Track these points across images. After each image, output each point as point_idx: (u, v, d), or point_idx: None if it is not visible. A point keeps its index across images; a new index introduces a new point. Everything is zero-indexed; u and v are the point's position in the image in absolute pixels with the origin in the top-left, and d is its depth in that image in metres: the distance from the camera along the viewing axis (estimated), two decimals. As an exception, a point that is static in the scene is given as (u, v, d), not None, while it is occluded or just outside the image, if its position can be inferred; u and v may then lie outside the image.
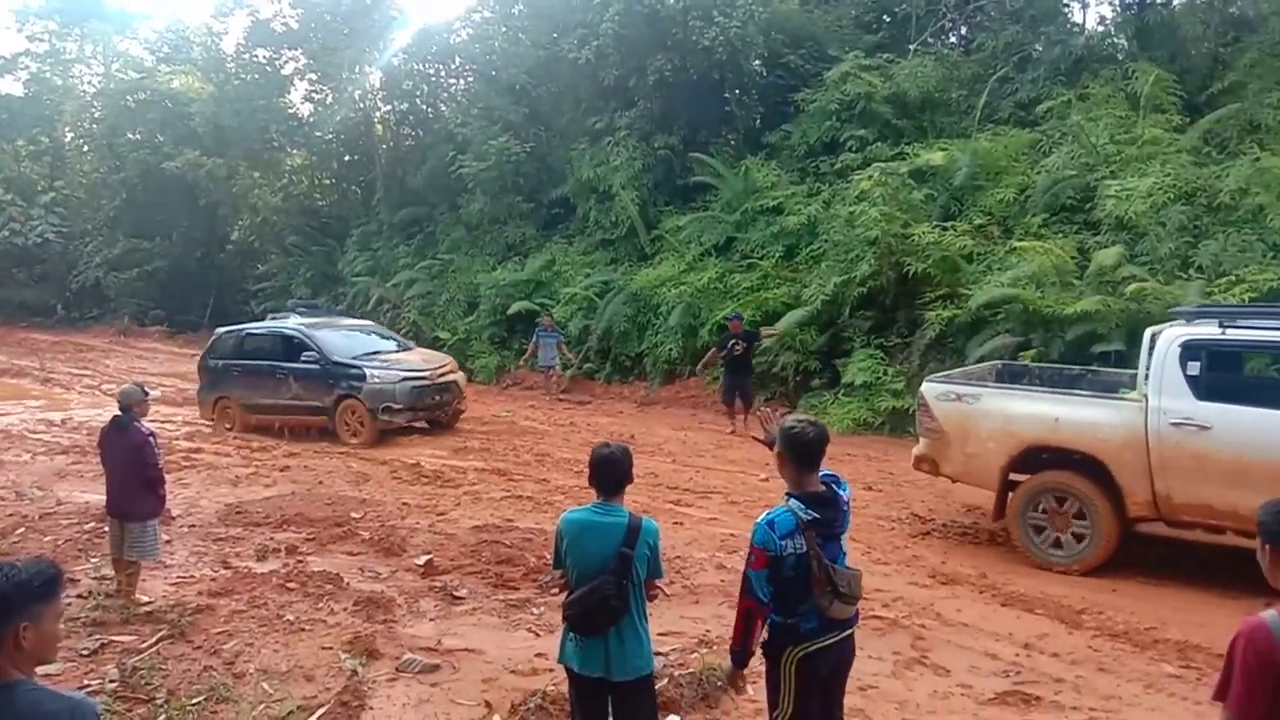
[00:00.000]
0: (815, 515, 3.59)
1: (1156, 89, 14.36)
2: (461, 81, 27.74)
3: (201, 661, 5.86)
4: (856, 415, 13.40)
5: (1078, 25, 18.08)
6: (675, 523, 8.96)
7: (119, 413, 7.03)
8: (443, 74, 27.73)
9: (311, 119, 29.73)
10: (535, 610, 6.69)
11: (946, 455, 8.22)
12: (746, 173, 17.96)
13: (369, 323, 17.22)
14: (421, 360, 14.35)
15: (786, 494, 3.71)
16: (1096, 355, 11.67)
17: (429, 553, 7.92)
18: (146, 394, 7.27)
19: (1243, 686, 2.59)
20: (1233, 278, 11.19)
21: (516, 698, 5.15)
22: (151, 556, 7.10)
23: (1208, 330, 7.07)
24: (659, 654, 5.71)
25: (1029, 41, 17.12)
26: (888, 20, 21.32)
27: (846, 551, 3.73)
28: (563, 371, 17.62)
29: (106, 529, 7.31)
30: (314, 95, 29.11)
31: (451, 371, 14.41)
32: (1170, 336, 7.23)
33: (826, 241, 15.68)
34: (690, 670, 5.50)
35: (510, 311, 19.60)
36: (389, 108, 28.20)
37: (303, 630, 6.35)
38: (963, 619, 6.57)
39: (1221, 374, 7.27)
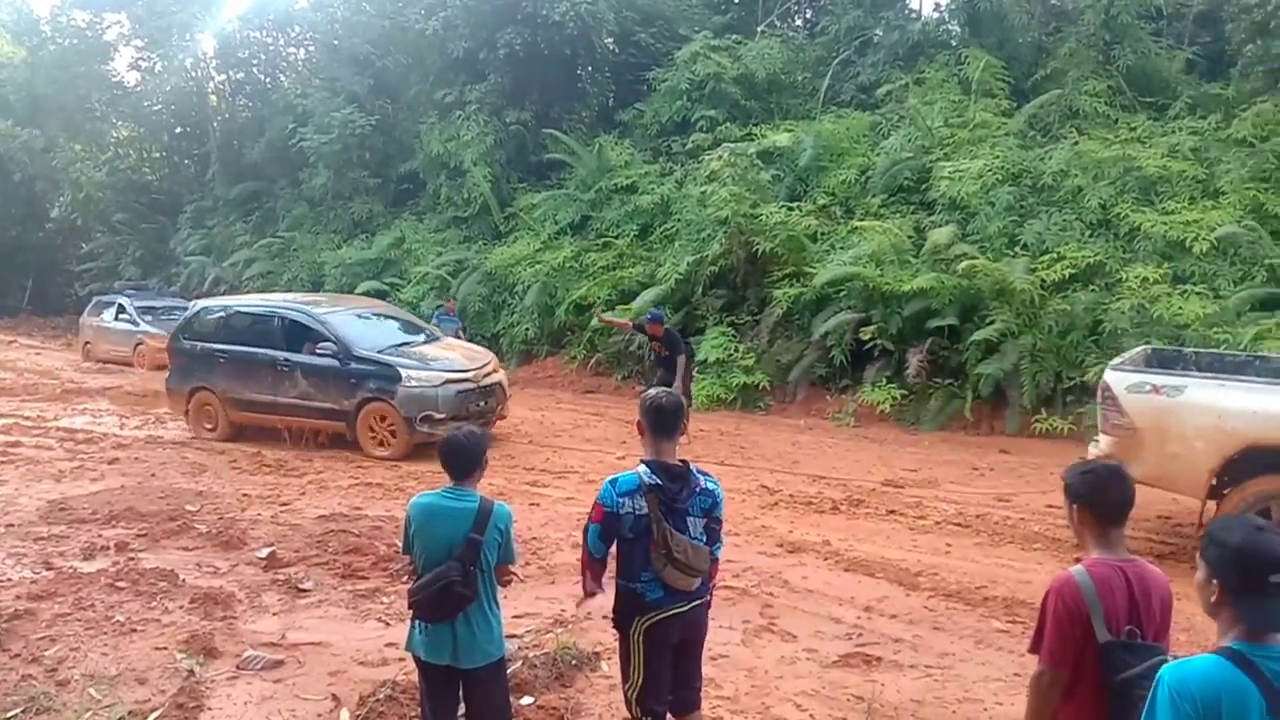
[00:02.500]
0: (659, 482, 3.69)
1: (986, 74, 15.16)
2: (302, 51, 26.68)
3: (19, 670, 5.43)
4: (710, 392, 13.66)
5: (915, 12, 18.90)
6: (531, 504, 8.91)
7: None
8: (281, 42, 26.55)
9: (139, 88, 27.92)
10: (385, 599, 6.52)
11: (1139, 456, 6.80)
12: (600, 150, 17.96)
13: (386, 304, 14.91)
14: (463, 357, 11.93)
15: (641, 460, 3.81)
16: (932, 329, 12.31)
17: (272, 545, 7.59)
18: None
19: (1054, 638, 2.76)
20: (1055, 254, 11.99)
21: (365, 689, 5.01)
22: None
23: None
24: (514, 636, 5.69)
25: (870, 26, 17.76)
26: (736, 2, 21.69)
27: (696, 534, 3.76)
28: None
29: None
30: (141, 63, 27.40)
31: (495, 370, 12.00)
32: None
33: (679, 221, 15.88)
34: (545, 651, 5.48)
35: (357, 291, 18.96)
36: (224, 77, 26.81)
37: (134, 631, 5.97)
38: (809, 585, 6.79)
39: None
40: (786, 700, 5.05)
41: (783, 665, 5.51)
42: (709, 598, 3.98)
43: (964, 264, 11.91)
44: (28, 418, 13.14)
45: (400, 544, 4.13)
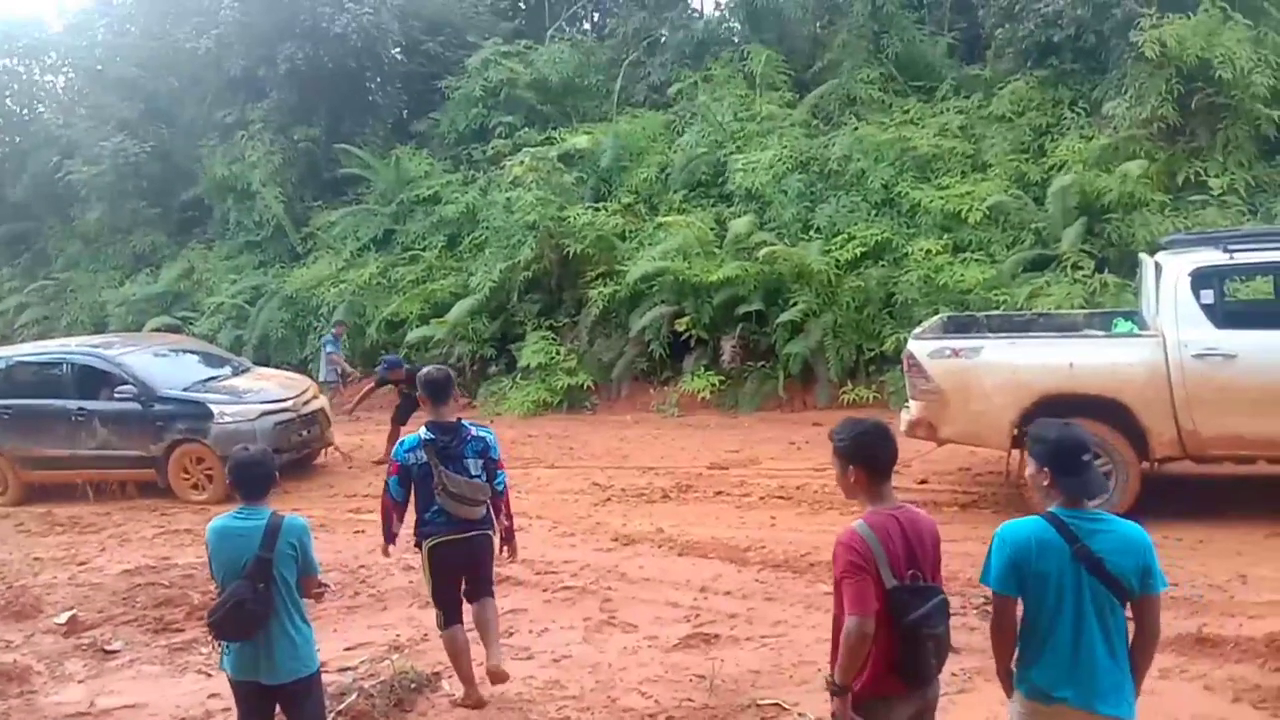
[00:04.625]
0: (433, 437, 4.84)
1: (769, 68, 15.78)
2: (61, 78, 24.49)
3: None
4: (535, 397, 13.59)
5: (697, 11, 19.40)
6: (356, 531, 8.61)
7: None
8: (36, 71, 24.33)
9: None
10: (203, 650, 6.11)
11: (946, 416, 7.47)
12: (398, 163, 17.49)
13: (188, 339, 13.96)
14: (279, 386, 11.38)
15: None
16: (741, 315, 12.74)
17: (71, 608, 6.99)
18: None
19: (855, 589, 2.92)
20: (846, 235, 12.66)
21: (189, 747, 4.70)
22: None
23: (1214, 256, 6.90)
24: (348, 668, 5.50)
25: (655, 27, 18.10)
26: (523, 7, 21.67)
27: (476, 472, 4.87)
28: (343, 386, 14.52)
29: None
30: None
31: (315, 397, 11.43)
32: (1177, 266, 6.99)
33: (487, 228, 15.70)
34: (382, 680, 5.31)
35: (147, 328, 17.65)
36: (-30, 110, 24.30)
37: (-89, 727, 5.37)
38: (645, 575, 6.90)
39: (1233, 300, 7.15)
40: (631, 690, 5.12)
41: (625, 656, 5.57)
42: (494, 530, 5.08)
43: (764, 251, 12.38)
44: None
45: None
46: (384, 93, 19.82)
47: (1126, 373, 6.95)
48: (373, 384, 12.34)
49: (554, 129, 16.80)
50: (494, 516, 5.05)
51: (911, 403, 7.78)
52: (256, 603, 3.71)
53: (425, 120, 18.84)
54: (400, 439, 5.06)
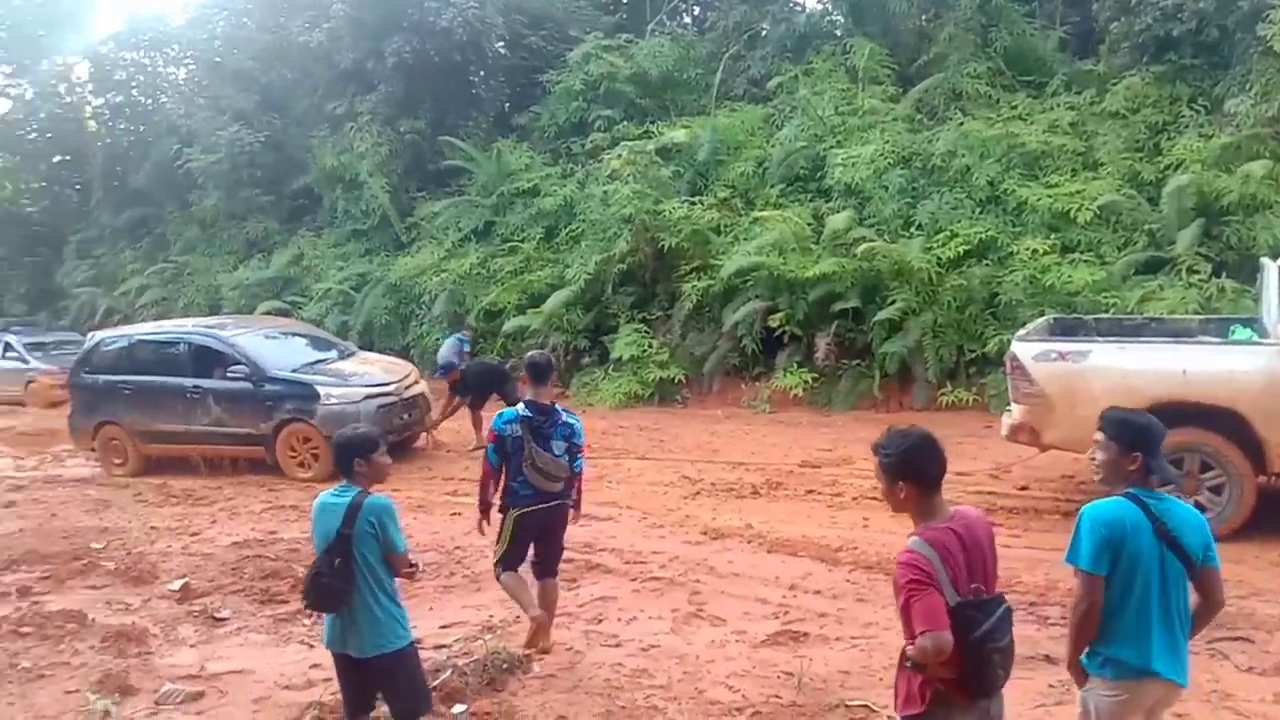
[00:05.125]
0: (530, 415, 5.30)
1: (872, 62, 15.53)
2: (182, 70, 25.75)
3: (-81, 729, 5.17)
4: (627, 389, 13.72)
5: (800, 4, 19.18)
6: (453, 513, 8.83)
7: None
8: (160, 62, 25.59)
9: (11, 116, 26.61)
10: (306, 622, 6.36)
11: (1050, 421, 7.26)
12: (499, 155, 17.82)
13: (296, 322, 14.50)
14: (383, 370, 11.74)
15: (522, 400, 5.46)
16: (837, 312, 12.59)
17: (184, 576, 7.35)
18: None
19: (922, 603, 2.80)
20: (948, 233, 12.37)
21: (292, 713, 4.90)
22: None
23: None
24: (442, 646, 5.65)
25: (757, 20, 17.99)
26: (625, 2, 21.78)
27: (559, 452, 5.33)
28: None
29: None
30: (9, 89, 26.08)
31: (417, 382, 11.74)
32: None
33: (584, 221, 15.88)
34: (475, 658, 5.43)
35: (258, 311, 18.42)
36: (101, 100, 25.69)
37: (43, 677, 5.72)
38: (734, 569, 6.89)
39: None
40: (719, 683, 5.12)
41: (713, 649, 5.58)
42: (570, 502, 5.56)
43: (863, 247, 12.20)
44: (-88, 467, 12.46)
45: None
46: (487, 86, 20.21)
47: (1244, 381, 6.70)
48: (454, 392, 12.21)
49: (652, 123, 16.85)
50: (570, 492, 5.55)
51: (1014, 406, 7.58)
52: (333, 576, 3.87)
53: (526, 114, 19.13)
54: (501, 412, 5.54)
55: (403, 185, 19.18)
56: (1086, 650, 3.20)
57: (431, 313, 16.60)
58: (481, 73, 20.18)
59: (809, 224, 13.34)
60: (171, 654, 6.00)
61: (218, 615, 6.59)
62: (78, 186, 26.24)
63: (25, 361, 18.97)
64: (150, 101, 25.36)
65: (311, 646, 5.96)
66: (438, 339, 16.02)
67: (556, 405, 5.47)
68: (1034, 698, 4.69)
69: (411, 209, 18.85)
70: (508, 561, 5.54)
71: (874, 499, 8.42)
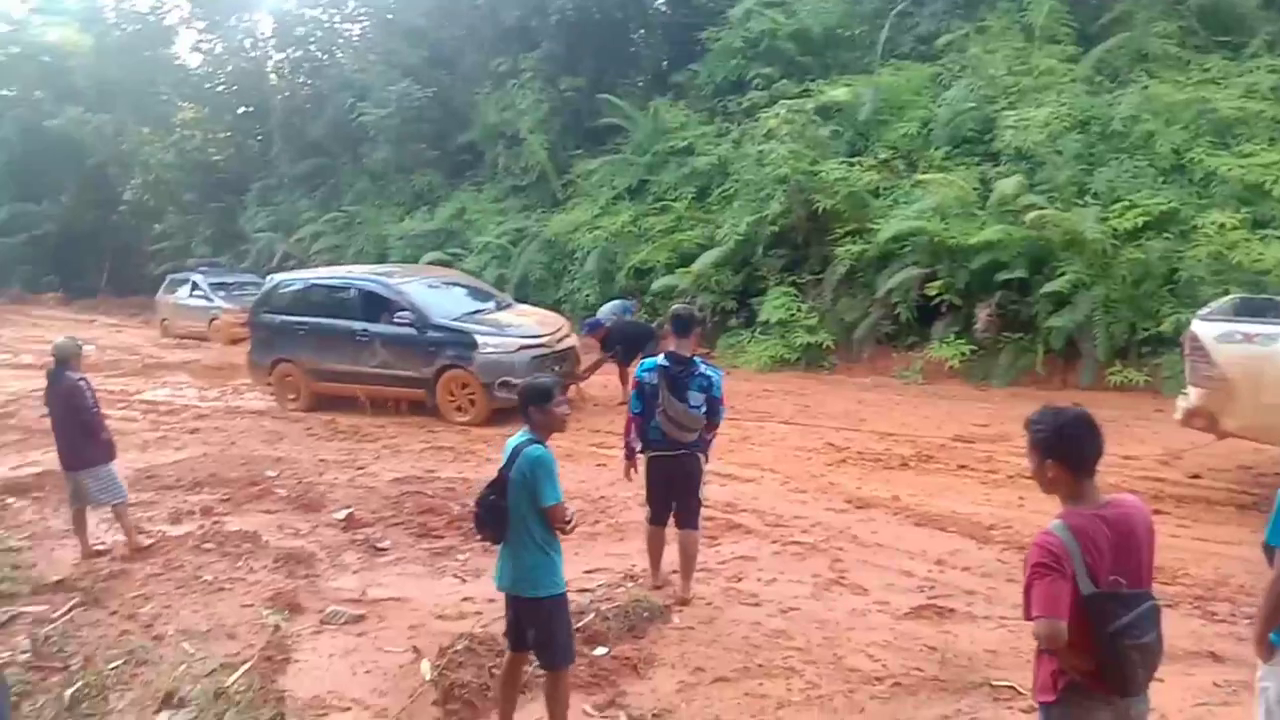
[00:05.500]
0: (668, 365, 5.53)
1: (1050, 20, 14.65)
2: (357, 26, 26.81)
3: (118, 626, 5.72)
4: (773, 352, 13.60)
5: (975, -41, 18.26)
6: (598, 465, 9.01)
7: (53, 367, 7.04)
8: (337, 19, 26.73)
9: (201, 70, 28.44)
10: (460, 557, 6.68)
11: (1231, 408, 6.84)
12: (656, 113, 17.83)
13: (457, 273, 15.09)
14: (536, 323, 12.01)
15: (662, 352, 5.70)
16: (1000, 282, 12.06)
17: (349, 507, 7.82)
18: (80, 346, 7.36)
19: (1041, 588, 2.70)
20: (1127, 202, 11.60)
21: (445, 641, 5.14)
22: (119, 499, 7.09)
23: None
24: (585, 590, 5.81)
25: (928, -25, 17.24)
26: (789, -44, 21.22)
27: (695, 404, 5.49)
28: None
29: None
30: (201, 45, 27.89)
31: (569, 335, 12.08)
32: None
33: (737, 181, 15.73)
34: (617, 604, 5.57)
35: (422, 262, 19.19)
36: (282, 55, 27.07)
37: (222, 590, 6.24)
38: (878, 540, 6.78)
39: None
40: (859, 651, 5.08)
41: (854, 617, 5.53)
42: (700, 453, 5.68)
43: (1032, 215, 11.60)
44: (112, 392, 13.58)
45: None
46: (646, 43, 20.22)
47: None
48: (603, 349, 12.29)
49: (812, 81, 16.44)
50: (705, 444, 5.72)
51: (1190, 390, 7.12)
52: (487, 510, 4.11)
53: (684, 71, 19.03)
54: (644, 361, 5.83)
55: (561, 143, 19.49)
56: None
57: (584, 269, 16.87)
58: (641, 30, 20.17)
59: (974, 189, 12.78)
60: (336, 578, 6.41)
61: (378, 545, 6.99)
62: (259, 137, 27.83)
63: (210, 300, 20.45)
64: (327, 57, 26.57)
65: (464, 580, 6.26)
66: (589, 295, 16.39)
67: (696, 357, 5.60)
68: (1196, 695, 4.46)
69: (568, 166, 19.15)
70: (651, 513, 5.83)
71: (1030, 478, 8.09)
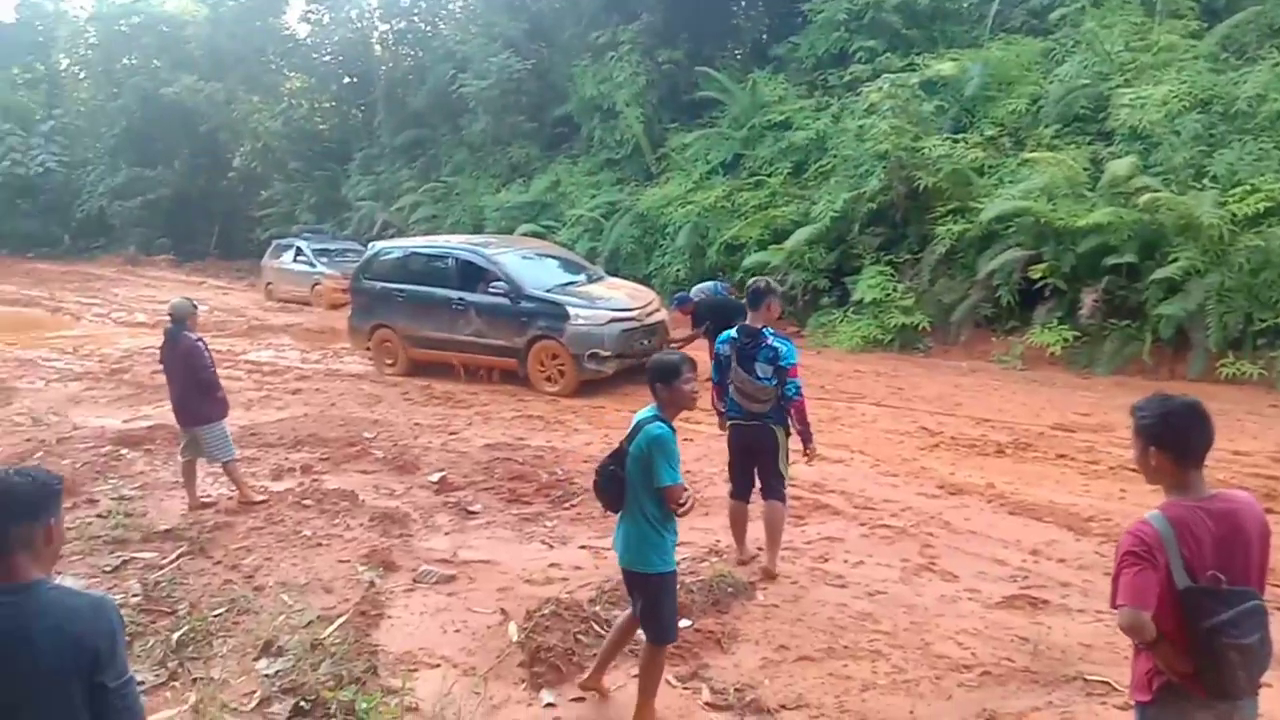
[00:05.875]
0: (737, 337, 5.72)
1: (1174, -7, 13.95)
2: (460, -1, 27.15)
3: (222, 576, 5.99)
4: (866, 333, 13.38)
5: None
6: (685, 439, 8.89)
7: (170, 326, 7.35)
8: (440, -10, 27.11)
9: (309, 40, 29.19)
10: (548, 523, 6.79)
11: None
12: (754, 87, 17.59)
13: (550, 245, 15.33)
14: (627, 296, 12.08)
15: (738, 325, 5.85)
16: (1108, 267, 11.61)
17: (442, 470, 8.02)
18: (195, 307, 7.68)
19: (1128, 576, 2.61)
20: (1248, 187, 11.01)
21: (532, 605, 5.25)
22: (229, 457, 7.40)
23: None
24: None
25: (1043, -54, 16.56)
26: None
27: (764, 375, 5.60)
28: None
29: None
30: (310, 15, 28.57)
31: (658, 309, 12.12)
32: None
33: (835, 157, 15.44)
34: (701, 578, 5.60)
35: (516, 233, 19.41)
36: (387, 27, 27.60)
37: (320, 545, 6.47)
38: (971, 527, 6.64)
39: None
40: (947, 638, 5.00)
41: (943, 604, 5.43)
42: (779, 426, 5.73)
43: (1145, 197, 11.10)
44: (218, 352, 13.93)
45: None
46: (746, 16, 19.97)
47: None
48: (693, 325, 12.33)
49: (917, 54, 16.02)
50: (783, 416, 5.73)
51: None
52: (606, 479, 4.16)
53: (784, 44, 18.72)
54: (721, 335, 6.04)
55: (656, 116, 19.41)
56: None
57: (675, 244, 16.82)
58: (742, 2, 19.91)
59: (1085, 169, 12.29)
60: (428, 539, 6.59)
61: (470, 508, 7.15)
62: (362, 107, 28.47)
63: (313, 265, 21.08)
64: (429, 28, 26.97)
65: (551, 547, 6.36)
66: (679, 270, 16.35)
67: (766, 329, 5.69)
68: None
69: (663, 139, 19.07)
70: (732, 487, 6.02)
71: (1134, 470, 7.80)
